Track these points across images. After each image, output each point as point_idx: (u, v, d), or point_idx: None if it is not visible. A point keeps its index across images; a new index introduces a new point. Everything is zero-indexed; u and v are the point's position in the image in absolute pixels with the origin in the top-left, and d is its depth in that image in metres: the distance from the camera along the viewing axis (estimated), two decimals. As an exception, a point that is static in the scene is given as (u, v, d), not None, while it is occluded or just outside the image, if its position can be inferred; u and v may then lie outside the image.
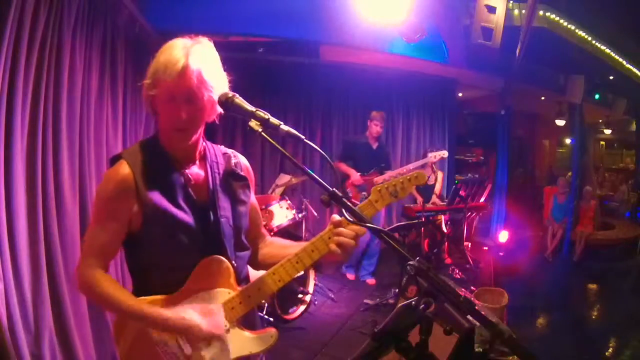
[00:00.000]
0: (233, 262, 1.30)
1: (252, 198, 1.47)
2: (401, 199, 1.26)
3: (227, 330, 1.26)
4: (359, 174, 4.62)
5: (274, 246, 1.48)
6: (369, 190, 4.76)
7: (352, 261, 5.00)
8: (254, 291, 1.27)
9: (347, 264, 4.99)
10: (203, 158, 1.35)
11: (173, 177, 1.27)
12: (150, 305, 1.21)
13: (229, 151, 1.44)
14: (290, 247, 1.37)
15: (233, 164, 1.40)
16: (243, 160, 1.46)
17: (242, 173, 1.41)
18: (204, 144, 1.36)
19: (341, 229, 1.17)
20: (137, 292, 1.29)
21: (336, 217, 1.19)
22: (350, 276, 5.02)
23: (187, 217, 1.24)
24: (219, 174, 1.35)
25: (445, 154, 4.94)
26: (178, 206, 1.24)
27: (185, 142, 1.25)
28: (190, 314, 1.21)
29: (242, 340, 1.27)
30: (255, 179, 1.55)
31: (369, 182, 4.57)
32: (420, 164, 4.97)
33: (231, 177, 1.38)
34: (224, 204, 1.32)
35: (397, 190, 1.25)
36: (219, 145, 1.44)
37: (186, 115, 1.19)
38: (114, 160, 1.27)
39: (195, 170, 1.32)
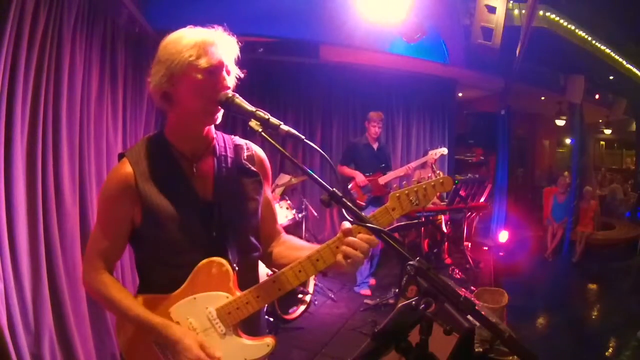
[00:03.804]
0: (234, 265, 1.25)
1: (267, 193, 1.40)
2: (423, 207, 1.17)
3: (223, 336, 1.22)
4: (362, 175, 4.61)
5: (286, 246, 1.40)
6: (373, 192, 4.69)
7: (363, 276, 4.72)
8: (253, 298, 1.21)
9: (359, 280, 4.75)
10: (212, 152, 1.29)
11: (177, 174, 1.24)
12: (152, 315, 1.21)
13: (243, 142, 1.37)
14: (302, 250, 1.29)
15: (245, 157, 1.33)
16: (258, 152, 1.38)
17: (253, 168, 1.34)
18: (215, 135, 1.32)
19: (350, 239, 1.10)
20: (142, 287, 1.29)
21: (346, 224, 1.10)
22: (365, 292, 4.67)
23: (188, 215, 1.22)
24: (226, 168, 1.29)
25: (444, 150, 4.95)
26: (179, 204, 1.22)
27: (215, 119, 1.21)
28: (189, 341, 1.17)
29: (237, 347, 1.23)
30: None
31: (373, 183, 4.57)
32: (421, 162, 4.97)
33: (241, 172, 1.31)
34: (230, 202, 1.27)
35: (419, 197, 1.14)
36: (232, 136, 1.38)
37: (228, 84, 1.19)
38: (119, 158, 1.27)
39: (202, 166, 1.27)
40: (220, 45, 1.18)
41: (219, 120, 1.22)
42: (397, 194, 1.15)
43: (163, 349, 1.24)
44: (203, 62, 1.14)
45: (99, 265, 1.25)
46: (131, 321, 1.23)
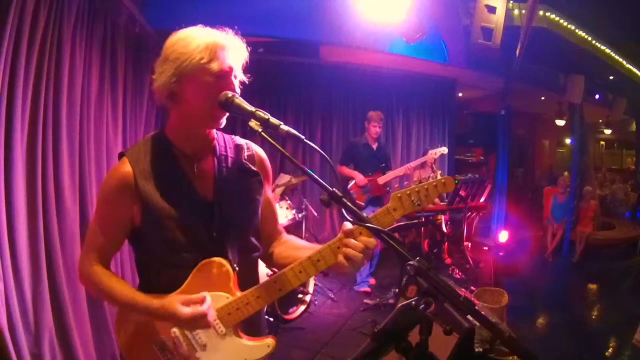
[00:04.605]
0: (235, 265, 1.25)
1: (268, 193, 1.40)
2: (424, 207, 1.13)
3: (223, 336, 1.22)
4: (362, 175, 4.60)
5: (287, 246, 1.39)
6: (373, 192, 4.67)
7: (363, 276, 4.71)
8: (253, 298, 1.21)
9: (358, 280, 4.74)
10: (213, 151, 1.29)
11: (178, 173, 1.24)
12: (141, 294, 1.22)
13: (243, 142, 1.37)
14: (303, 250, 1.28)
15: (245, 157, 1.34)
16: (258, 152, 1.39)
17: (253, 167, 1.34)
18: (215, 135, 1.32)
19: (351, 240, 1.09)
20: (142, 287, 1.29)
21: (348, 224, 1.10)
22: (365, 291, 4.67)
23: (187, 215, 1.22)
24: (227, 168, 1.29)
25: (445, 150, 4.93)
26: (179, 204, 1.22)
27: (220, 122, 1.22)
28: (170, 300, 1.17)
29: (238, 348, 1.23)
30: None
31: (372, 183, 4.57)
32: (421, 161, 4.95)
33: (242, 172, 1.32)
34: (230, 202, 1.27)
35: (421, 197, 1.13)
36: (232, 136, 1.38)
37: (236, 89, 1.19)
38: (119, 157, 1.27)
39: (203, 165, 1.27)
40: (232, 50, 1.18)
41: (223, 125, 1.23)
42: (399, 194, 1.14)
43: (163, 349, 1.24)
44: (214, 66, 1.14)
45: (94, 258, 1.27)
46: (120, 302, 1.24)
